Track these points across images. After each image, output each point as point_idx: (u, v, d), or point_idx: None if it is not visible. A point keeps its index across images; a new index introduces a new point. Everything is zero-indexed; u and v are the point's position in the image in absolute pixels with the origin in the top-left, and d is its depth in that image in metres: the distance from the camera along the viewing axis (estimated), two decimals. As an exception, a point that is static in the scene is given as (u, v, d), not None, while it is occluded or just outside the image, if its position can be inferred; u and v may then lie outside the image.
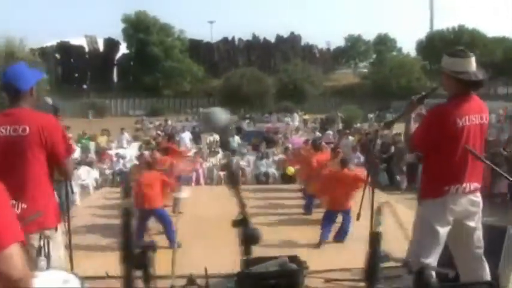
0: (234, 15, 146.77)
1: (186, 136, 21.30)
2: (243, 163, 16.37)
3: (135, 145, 18.62)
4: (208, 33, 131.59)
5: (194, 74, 63.76)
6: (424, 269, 1.76)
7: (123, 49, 67.95)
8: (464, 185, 4.01)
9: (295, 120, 36.13)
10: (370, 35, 75.86)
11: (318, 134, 22.97)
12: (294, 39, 75.01)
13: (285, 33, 75.45)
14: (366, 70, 69.11)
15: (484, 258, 4.10)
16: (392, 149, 16.00)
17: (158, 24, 64.97)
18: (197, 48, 69.47)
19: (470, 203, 4.07)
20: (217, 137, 20.57)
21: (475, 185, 4.10)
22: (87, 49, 68.11)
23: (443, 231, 3.95)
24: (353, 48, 73.89)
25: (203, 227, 9.34)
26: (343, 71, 73.87)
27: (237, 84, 47.17)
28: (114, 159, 16.72)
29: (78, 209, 12.27)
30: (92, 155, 17.16)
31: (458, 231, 4.06)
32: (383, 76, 57.06)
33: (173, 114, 50.87)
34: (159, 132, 22.45)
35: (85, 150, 17.90)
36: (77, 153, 18.67)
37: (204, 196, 12.75)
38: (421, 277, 1.79)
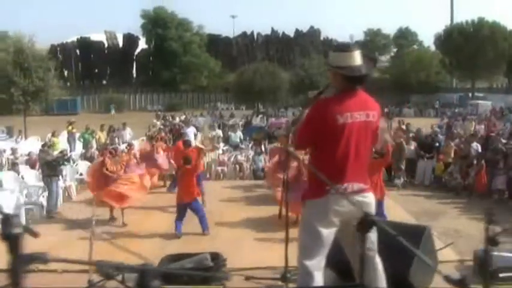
0: (256, 10, 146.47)
1: (191, 131, 21.24)
2: (241, 158, 16.32)
3: (136, 142, 18.69)
4: (230, 28, 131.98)
5: (211, 69, 63.80)
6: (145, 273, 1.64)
7: (142, 44, 68.27)
8: (346, 184, 3.81)
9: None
10: (390, 29, 75.37)
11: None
12: (313, 33, 74.54)
13: (304, 28, 75.13)
14: (385, 64, 68.32)
15: (377, 260, 3.92)
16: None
17: (176, 19, 65.08)
18: (216, 43, 69.47)
19: (359, 203, 3.81)
20: (219, 132, 20.59)
21: (360, 185, 3.88)
22: (106, 45, 68.58)
23: (326, 232, 3.74)
24: (372, 42, 73.15)
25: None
26: (364, 65, 73.13)
27: (251, 79, 46.98)
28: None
29: (71, 204, 12.47)
30: (94, 150, 17.27)
31: (349, 232, 3.83)
32: (402, 70, 56.39)
33: (191, 109, 51.06)
34: (161, 127, 22.45)
35: (87, 145, 18.02)
36: (78, 148, 18.90)
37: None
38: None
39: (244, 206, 11.62)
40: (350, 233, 3.85)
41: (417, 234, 4.22)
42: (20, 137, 23.48)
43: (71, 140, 19.87)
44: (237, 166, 15.98)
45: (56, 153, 12.69)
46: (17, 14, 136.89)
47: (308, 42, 71.26)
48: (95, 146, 18.29)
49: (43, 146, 12.52)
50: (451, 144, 15.22)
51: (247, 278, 5.12)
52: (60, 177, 13.31)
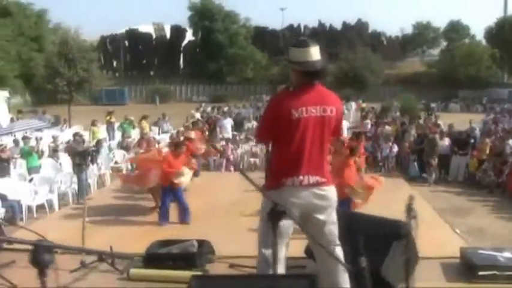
0: (305, 2, 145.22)
1: (228, 123, 21.55)
2: (257, 150, 16.41)
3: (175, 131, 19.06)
4: (279, 21, 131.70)
5: (257, 61, 63.96)
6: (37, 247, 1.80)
7: (189, 36, 68.96)
8: (301, 177, 3.87)
9: (351, 108, 35.70)
10: (441, 22, 73.48)
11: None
12: (361, 26, 73.56)
13: (352, 21, 74.28)
14: (434, 58, 66.90)
15: (338, 251, 3.97)
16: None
17: (223, 11, 65.43)
18: (262, 36, 69.52)
19: (314, 196, 3.91)
20: (255, 124, 20.75)
21: (316, 178, 3.92)
22: (154, 36, 69.59)
23: (283, 223, 3.78)
24: (421, 36, 71.66)
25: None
26: (412, 59, 71.93)
27: (293, 71, 46.93)
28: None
29: (104, 191, 12.90)
30: (132, 140, 17.70)
31: (309, 224, 3.92)
32: (451, 65, 55.13)
33: (236, 100, 51.35)
34: (199, 118, 22.78)
35: (124, 134, 18.50)
36: (117, 138, 19.41)
37: (225, 182, 12.96)
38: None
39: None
40: (312, 226, 3.93)
41: (394, 229, 4.23)
42: (64, 125, 24.24)
43: (109, 129, 20.42)
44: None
45: (92, 143, 13.11)
46: (68, 6, 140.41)
47: (355, 35, 70.38)
48: (133, 135, 18.74)
49: (74, 136, 12.95)
50: (486, 141, 14.94)
51: (231, 266, 5.29)
52: (95, 165, 13.81)
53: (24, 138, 14.30)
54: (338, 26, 73.64)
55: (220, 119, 22.43)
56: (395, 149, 16.24)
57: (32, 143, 14.68)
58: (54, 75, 25.72)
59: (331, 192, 4.04)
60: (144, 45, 68.50)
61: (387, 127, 18.46)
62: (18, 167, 13.09)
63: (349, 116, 29.19)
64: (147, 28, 69.39)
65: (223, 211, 9.86)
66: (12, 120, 23.26)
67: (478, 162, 14.54)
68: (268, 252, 3.74)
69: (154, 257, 5.65)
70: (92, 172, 13.33)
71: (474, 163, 14.62)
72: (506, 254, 5.27)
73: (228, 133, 20.06)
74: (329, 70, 50.05)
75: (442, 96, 49.25)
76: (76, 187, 11.92)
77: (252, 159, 16.05)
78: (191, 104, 49.31)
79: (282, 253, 3.81)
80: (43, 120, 24.51)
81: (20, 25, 49.02)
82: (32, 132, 19.35)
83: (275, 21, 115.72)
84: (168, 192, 9.21)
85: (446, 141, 15.36)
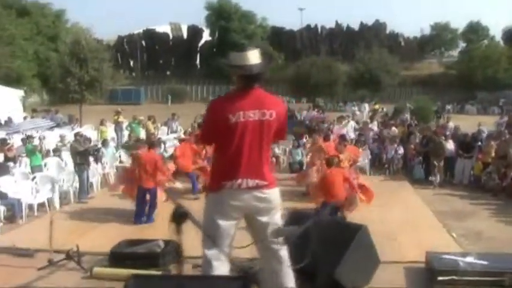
0: (323, 3, 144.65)
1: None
2: (278, 151, 16.41)
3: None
4: (297, 21, 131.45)
5: (274, 62, 63.89)
6: None
7: (206, 36, 69.24)
8: (239, 181, 3.90)
9: (365, 109, 35.56)
10: (460, 23, 72.82)
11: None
12: (378, 27, 73.17)
13: (370, 21, 73.91)
14: (453, 59, 66.28)
15: (280, 254, 4.00)
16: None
17: (240, 11, 65.63)
18: (279, 36, 69.49)
19: (255, 199, 3.94)
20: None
21: (256, 181, 3.94)
22: (171, 36, 69.98)
23: (225, 224, 3.87)
24: (439, 37, 71.03)
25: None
26: (430, 60, 71.34)
27: (307, 72, 46.90)
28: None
29: (106, 190, 13.03)
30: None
31: (252, 226, 3.98)
32: (469, 66, 54.57)
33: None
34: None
35: (131, 134, 18.63)
36: (125, 137, 19.56)
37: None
38: None
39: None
40: (256, 228, 3.96)
41: (351, 232, 4.21)
42: (76, 125, 24.45)
43: (117, 129, 20.54)
44: (274, 159, 16.08)
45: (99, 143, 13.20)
46: (86, 6, 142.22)
47: (373, 35, 69.99)
48: (142, 135, 18.85)
49: (75, 135, 13.08)
50: (491, 144, 14.73)
51: (194, 266, 5.33)
52: (99, 164, 13.94)
53: (28, 137, 14.48)
54: (356, 26, 73.35)
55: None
56: (401, 151, 16.12)
57: (36, 142, 14.86)
58: (66, 75, 26.03)
59: (273, 195, 4.05)
60: (161, 45, 68.93)
61: (393, 129, 18.33)
62: (23, 165, 13.26)
63: (362, 117, 28.99)
64: (164, 28, 69.87)
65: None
66: (24, 118, 23.56)
67: (483, 165, 14.36)
68: (211, 253, 3.82)
69: (119, 256, 5.80)
70: (96, 171, 13.45)
71: (479, 166, 14.43)
72: (469, 259, 5.21)
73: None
74: (345, 71, 50.13)
75: (459, 98, 48.83)
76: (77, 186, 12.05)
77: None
78: (206, 104, 49.43)
79: (224, 253, 3.84)
80: (55, 119, 24.78)
81: (38, 24, 49.74)
82: (43, 131, 19.60)
83: (294, 22, 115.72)
84: (145, 192, 9.46)
85: (451, 144, 15.19)
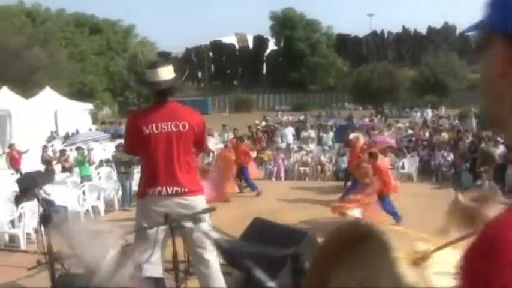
0: (393, 7, 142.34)
1: (289, 131, 21.79)
2: (324, 159, 16.51)
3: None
4: (366, 27, 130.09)
5: (338, 69, 63.68)
6: None
7: (271, 46, 69.92)
8: (159, 188, 4.16)
9: (428, 115, 34.83)
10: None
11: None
12: (447, 29, 71.40)
13: (438, 24, 72.27)
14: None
15: (208, 257, 4.22)
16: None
17: (305, 20, 65.90)
18: (345, 43, 69.16)
19: (177, 205, 4.16)
20: (312, 133, 20.88)
21: (175, 188, 4.19)
22: (237, 46, 71.17)
23: (151, 230, 4.05)
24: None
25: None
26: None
27: (368, 79, 46.41)
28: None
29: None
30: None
31: (180, 232, 4.14)
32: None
33: (318, 109, 51.27)
34: (259, 127, 23.15)
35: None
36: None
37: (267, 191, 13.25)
38: None
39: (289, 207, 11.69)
40: (183, 234, 4.20)
41: (296, 238, 4.30)
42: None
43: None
44: (319, 167, 16.20)
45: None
46: (155, 21, 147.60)
47: (442, 39, 68.35)
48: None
49: (116, 147, 13.72)
50: (543, 149, 14.21)
51: (166, 270, 5.53)
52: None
53: (78, 148, 15.29)
54: (423, 30, 71.91)
55: (278, 128, 22.73)
56: (450, 157, 15.81)
57: (86, 153, 15.67)
58: (124, 88, 27.17)
59: (195, 201, 4.29)
60: (227, 55, 70.31)
61: (443, 134, 17.96)
62: (75, 175, 14.06)
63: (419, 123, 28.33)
64: (230, 39, 71.15)
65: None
66: (90, 130, 24.74)
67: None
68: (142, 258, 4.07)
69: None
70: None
71: (531, 172, 13.96)
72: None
73: (289, 141, 20.25)
74: (408, 76, 49.09)
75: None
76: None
77: (302, 168, 16.20)
78: (272, 112, 49.81)
79: (155, 257, 4.06)
80: (118, 131, 25.85)
81: (109, 40, 51.87)
82: (102, 142, 20.53)
83: (363, 29, 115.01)
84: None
85: (501, 149, 14.77)
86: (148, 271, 3.91)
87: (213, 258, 4.28)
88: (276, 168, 16.22)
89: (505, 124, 0.79)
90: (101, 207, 12.02)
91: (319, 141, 19.76)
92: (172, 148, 4.23)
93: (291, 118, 34.48)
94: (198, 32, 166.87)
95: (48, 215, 5.22)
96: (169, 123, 4.22)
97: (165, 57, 62.85)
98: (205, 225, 4.29)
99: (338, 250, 0.99)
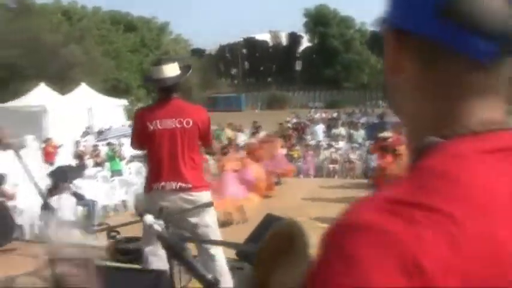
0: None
1: (320, 129, 21.72)
2: (353, 157, 16.42)
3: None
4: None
5: (372, 66, 63.04)
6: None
7: (305, 43, 69.71)
8: (163, 183, 4.24)
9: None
10: None
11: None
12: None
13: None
14: None
15: (212, 252, 4.25)
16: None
17: (338, 16, 65.47)
18: (378, 40, 68.18)
19: (181, 200, 4.23)
20: (343, 130, 20.76)
21: (179, 184, 4.24)
22: (270, 43, 71.21)
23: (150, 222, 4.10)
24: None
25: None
26: None
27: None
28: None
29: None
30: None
31: (185, 226, 4.25)
32: None
33: (351, 106, 50.83)
34: (289, 125, 23.14)
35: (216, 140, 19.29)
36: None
37: (293, 188, 13.25)
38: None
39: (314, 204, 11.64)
40: (188, 228, 4.26)
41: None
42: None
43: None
44: (348, 164, 16.13)
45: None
46: (190, 18, 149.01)
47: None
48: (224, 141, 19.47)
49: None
50: None
51: None
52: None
53: (109, 144, 15.54)
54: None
55: (309, 125, 22.67)
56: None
57: (117, 148, 15.91)
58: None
59: (201, 196, 4.33)
60: (261, 52, 70.38)
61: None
62: (105, 169, 14.30)
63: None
64: (263, 36, 71.25)
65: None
66: (122, 126, 25.06)
67: None
68: (148, 250, 4.16)
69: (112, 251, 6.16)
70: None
71: None
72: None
73: (319, 138, 20.19)
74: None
75: None
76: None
77: (331, 166, 16.14)
78: (306, 109, 49.59)
79: (160, 250, 4.12)
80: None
81: (143, 37, 52.51)
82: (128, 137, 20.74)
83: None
84: None
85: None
86: (153, 264, 4.01)
87: (219, 253, 4.35)
88: (305, 165, 16.22)
89: (401, 114, 0.82)
90: (130, 201, 12.22)
91: (350, 139, 19.63)
92: (176, 144, 4.30)
93: (324, 115, 34.29)
94: (231, 30, 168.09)
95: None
96: (174, 119, 4.29)
97: (199, 54, 63.81)
98: (210, 221, 4.38)
99: (275, 252, 1.01)
